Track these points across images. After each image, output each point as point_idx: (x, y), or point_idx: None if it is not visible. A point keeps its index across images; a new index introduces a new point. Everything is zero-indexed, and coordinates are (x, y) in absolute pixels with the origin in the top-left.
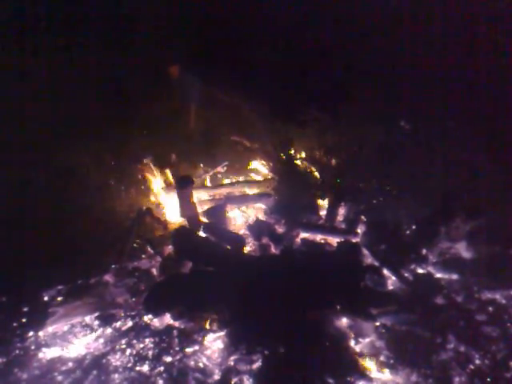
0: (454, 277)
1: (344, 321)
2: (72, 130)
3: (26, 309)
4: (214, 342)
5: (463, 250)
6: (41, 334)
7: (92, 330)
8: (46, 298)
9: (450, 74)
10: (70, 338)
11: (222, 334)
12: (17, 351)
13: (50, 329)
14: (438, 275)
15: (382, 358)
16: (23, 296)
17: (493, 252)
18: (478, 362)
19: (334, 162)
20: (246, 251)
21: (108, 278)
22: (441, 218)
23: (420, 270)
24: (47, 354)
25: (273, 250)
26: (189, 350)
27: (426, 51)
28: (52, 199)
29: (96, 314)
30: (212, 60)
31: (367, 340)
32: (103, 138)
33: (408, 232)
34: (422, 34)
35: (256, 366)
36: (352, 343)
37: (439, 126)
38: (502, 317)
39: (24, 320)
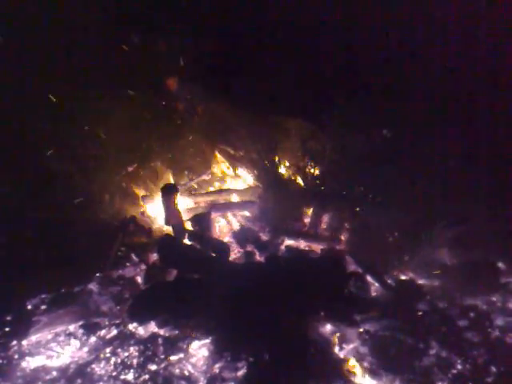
0: (436, 283)
1: (328, 327)
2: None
3: (9, 317)
4: (199, 350)
5: (445, 257)
6: (24, 342)
7: (76, 338)
8: (29, 307)
9: (434, 81)
10: (54, 347)
11: (207, 341)
12: (0, 360)
13: (34, 338)
14: (421, 281)
15: (365, 364)
16: (6, 305)
17: (474, 258)
18: (459, 367)
19: (317, 169)
20: (230, 258)
21: (92, 286)
22: (423, 225)
23: (403, 277)
24: (31, 363)
25: (257, 257)
26: (174, 357)
27: (409, 58)
28: (35, 207)
29: (80, 323)
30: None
31: (351, 346)
32: (89, 145)
33: (391, 239)
34: (406, 42)
35: (241, 372)
36: (336, 349)
37: (422, 133)
38: (483, 322)
39: (7, 329)
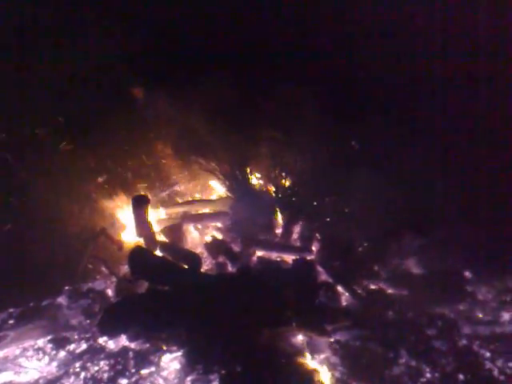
0: (405, 292)
1: (299, 337)
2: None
3: None
4: (171, 363)
5: (413, 267)
6: None
7: (45, 353)
8: None
9: (402, 88)
10: (22, 362)
11: (178, 354)
12: None
13: (1, 353)
14: (390, 291)
15: (336, 374)
16: None
17: (441, 268)
18: (428, 375)
19: (288, 180)
20: (202, 270)
21: (61, 299)
22: (391, 236)
23: (372, 286)
24: None
25: (229, 268)
26: (145, 371)
27: (375, 66)
28: (2, 220)
29: (49, 337)
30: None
31: (322, 356)
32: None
33: (360, 249)
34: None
35: None
36: (307, 359)
37: (390, 144)
38: (450, 331)
39: None
